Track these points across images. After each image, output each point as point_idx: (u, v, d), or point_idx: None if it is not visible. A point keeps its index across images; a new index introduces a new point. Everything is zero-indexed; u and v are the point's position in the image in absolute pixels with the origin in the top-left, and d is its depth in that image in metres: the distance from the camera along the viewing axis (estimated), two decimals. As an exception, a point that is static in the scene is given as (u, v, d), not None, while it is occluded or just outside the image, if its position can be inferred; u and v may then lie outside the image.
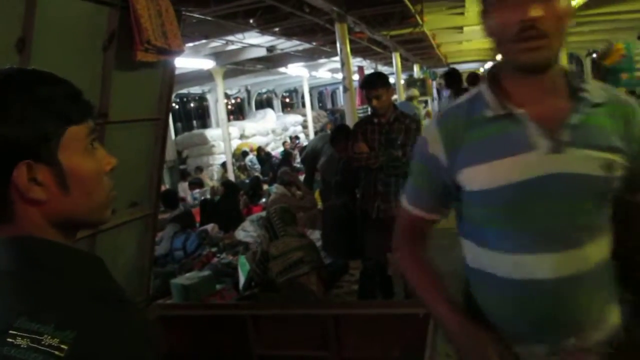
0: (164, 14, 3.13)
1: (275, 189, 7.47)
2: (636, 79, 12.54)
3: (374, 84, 4.21)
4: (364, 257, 4.53)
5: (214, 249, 6.20)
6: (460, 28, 11.42)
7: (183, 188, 10.94)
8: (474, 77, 7.43)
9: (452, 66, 11.10)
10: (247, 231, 6.19)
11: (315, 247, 4.66)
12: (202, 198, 9.47)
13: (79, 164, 0.98)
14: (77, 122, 0.99)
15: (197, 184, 9.76)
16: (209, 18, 5.68)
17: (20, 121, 0.90)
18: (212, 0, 5.18)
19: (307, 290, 4.01)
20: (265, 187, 10.14)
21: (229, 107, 27.88)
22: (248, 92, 21.63)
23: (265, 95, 26.79)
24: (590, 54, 21.59)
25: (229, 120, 21.50)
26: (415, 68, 19.53)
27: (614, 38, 16.60)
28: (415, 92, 13.75)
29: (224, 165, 13.04)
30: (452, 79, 6.90)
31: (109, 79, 2.93)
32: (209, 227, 6.93)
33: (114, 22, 2.85)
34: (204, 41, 8.58)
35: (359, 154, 4.22)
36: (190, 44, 8.43)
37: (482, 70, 28.15)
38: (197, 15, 5.44)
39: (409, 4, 6.08)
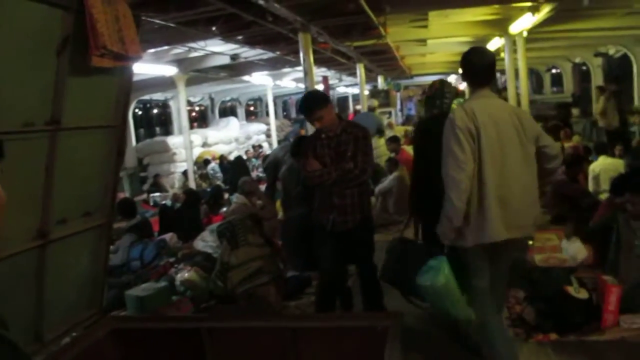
0: (121, 19, 3.05)
1: (236, 198, 7.39)
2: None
3: (311, 108, 4.14)
4: (320, 270, 4.47)
5: (171, 259, 6.08)
6: (424, 40, 11.57)
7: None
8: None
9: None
10: (206, 241, 6.07)
11: (276, 257, 4.62)
12: (162, 203, 9.30)
13: None
14: None
15: (155, 191, 9.58)
16: (171, 24, 5.61)
17: None
18: (172, 7, 5.10)
19: (265, 301, 3.96)
20: (226, 196, 10.04)
21: (193, 114, 27.69)
22: (212, 99, 21.49)
23: (229, 104, 26.66)
24: (549, 69, 22.17)
25: (192, 127, 21.41)
26: (380, 79, 19.68)
27: (571, 55, 17.08)
28: (374, 102, 13.86)
29: (185, 173, 12.88)
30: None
31: (63, 84, 2.83)
32: (168, 236, 6.80)
33: (68, 26, 2.77)
34: (166, 47, 8.48)
35: (312, 172, 4.17)
36: (152, 50, 8.32)
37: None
38: (158, 21, 5.35)
39: (372, 15, 6.11)
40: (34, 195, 2.89)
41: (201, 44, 8.04)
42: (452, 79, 27.58)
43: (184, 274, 5.03)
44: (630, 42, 12.33)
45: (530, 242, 6.34)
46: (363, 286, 4.46)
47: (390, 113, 20.29)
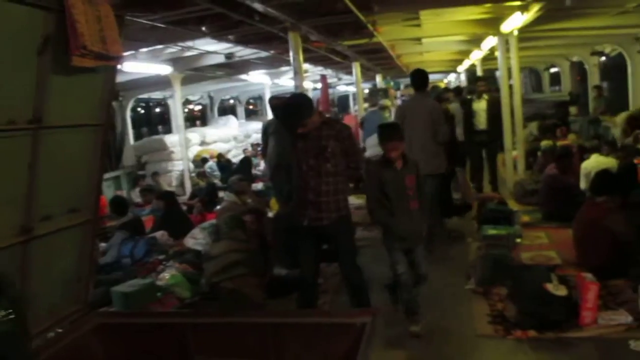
0: (103, 20, 3.11)
1: (227, 196, 7.46)
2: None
3: (300, 117, 4.14)
4: (300, 267, 4.52)
5: (161, 257, 6.14)
6: (419, 39, 11.59)
7: (136, 194, 10.82)
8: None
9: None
10: (196, 239, 6.12)
11: (260, 254, 4.67)
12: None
13: None
14: None
15: (148, 190, 9.59)
16: (158, 24, 5.66)
17: None
18: (158, 7, 5.15)
19: (246, 297, 4.02)
20: (221, 194, 10.09)
21: (195, 113, 27.74)
22: (211, 98, 21.53)
23: (230, 102, 26.72)
24: (548, 68, 22.18)
25: (194, 125, 21.46)
26: (378, 78, 19.71)
27: (569, 53, 17.10)
28: (387, 102, 13.90)
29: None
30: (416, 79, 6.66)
31: (44, 83, 2.89)
32: (158, 234, 6.85)
33: (49, 26, 2.82)
34: (160, 47, 8.53)
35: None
36: (146, 49, 8.38)
37: (445, 81, 28.63)
38: (145, 21, 5.40)
39: (359, 15, 6.15)
40: (18, 193, 2.95)
41: (189, 43, 8.09)
42: (451, 77, 27.68)
43: (165, 275, 5.12)
44: (624, 41, 12.35)
45: (518, 240, 6.42)
46: (348, 286, 4.51)
47: (390, 112, 20.36)
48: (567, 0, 6.68)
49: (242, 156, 15.91)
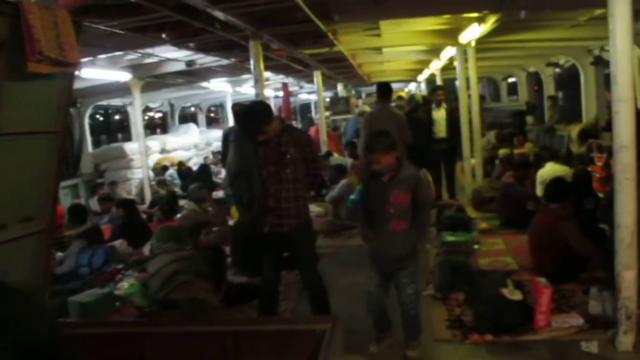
0: (60, 25, 3.07)
1: (187, 204, 7.41)
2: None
3: (259, 125, 4.16)
4: (262, 273, 4.53)
5: (119, 266, 6.05)
6: (379, 49, 11.73)
7: (95, 202, 10.63)
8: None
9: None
10: (156, 247, 6.07)
11: (198, 257, 4.69)
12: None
13: None
14: None
15: (107, 199, 9.43)
16: (117, 31, 5.60)
17: None
18: (116, 13, 5.10)
19: (209, 306, 4.00)
20: (181, 202, 10.00)
21: (155, 120, 27.39)
22: (171, 105, 21.31)
23: (191, 109, 26.50)
24: (505, 78, 22.70)
25: (154, 133, 21.19)
26: (339, 86, 19.83)
27: (526, 64, 17.54)
28: (365, 107, 14.15)
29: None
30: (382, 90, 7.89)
31: (-1, 89, 2.84)
32: (117, 243, 6.76)
33: (4, 31, 2.78)
34: (119, 53, 8.43)
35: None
36: (104, 56, 8.27)
37: (406, 90, 28.99)
38: (104, 28, 5.34)
39: (320, 24, 6.20)
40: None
41: (149, 50, 8.02)
42: (412, 86, 28.04)
43: (124, 284, 5.07)
44: (577, 53, 12.74)
45: (476, 247, 6.54)
46: (309, 294, 4.53)
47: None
48: (522, 12, 6.87)
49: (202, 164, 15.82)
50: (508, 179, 7.87)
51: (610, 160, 6.17)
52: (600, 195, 6.71)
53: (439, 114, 9.23)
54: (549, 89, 16.31)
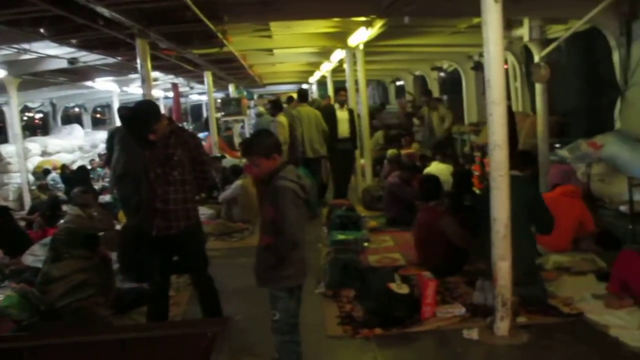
0: None
1: (71, 210, 7.05)
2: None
3: (149, 124, 4.07)
4: (151, 278, 4.42)
5: (-5, 277, 5.65)
6: (270, 50, 11.77)
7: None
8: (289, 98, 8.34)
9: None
10: (37, 255, 5.72)
11: (105, 269, 4.48)
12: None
13: None
14: None
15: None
16: (-13, 24, 5.23)
17: None
18: (-17, 5, 4.75)
19: (94, 314, 3.83)
20: (65, 207, 9.50)
21: (35, 121, 25.78)
22: (53, 105, 20.19)
23: (76, 110, 25.24)
24: (393, 81, 23.49)
25: (34, 135, 19.95)
26: (231, 87, 19.66)
27: (412, 68, 18.26)
28: (260, 108, 14.15)
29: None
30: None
31: None
32: (-8, 252, 6.32)
33: None
34: (-9, 48, 7.87)
35: None
36: (-26, 51, 7.70)
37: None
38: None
39: (209, 24, 6.12)
40: None
41: (25, 46, 7.55)
42: (304, 87, 28.39)
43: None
44: (459, 59, 13.43)
45: (366, 244, 6.74)
46: (200, 297, 4.46)
47: (243, 121, 20.39)
48: (406, 18, 7.17)
49: (89, 167, 15.12)
50: (394, 179, 8.16)
51: (484, 159, 6.60)
52: (477, 191, 7.12)
53: (343, 115, 9.50)
54: (434, 91, 17.08)
